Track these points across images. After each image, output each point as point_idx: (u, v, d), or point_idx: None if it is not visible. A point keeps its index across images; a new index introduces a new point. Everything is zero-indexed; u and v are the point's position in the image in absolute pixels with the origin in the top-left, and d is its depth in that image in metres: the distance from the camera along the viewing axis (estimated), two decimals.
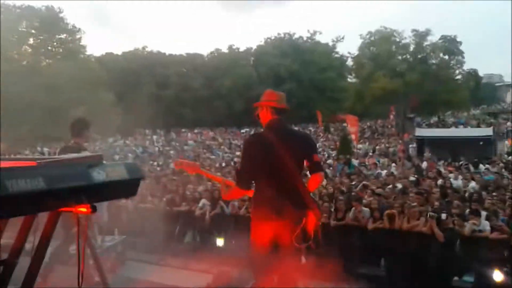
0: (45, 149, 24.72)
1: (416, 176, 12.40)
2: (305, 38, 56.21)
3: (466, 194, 9.30)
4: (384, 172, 14.04)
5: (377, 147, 25.23)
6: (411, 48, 37.90)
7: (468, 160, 17.04)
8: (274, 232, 2.99)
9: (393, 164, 16.75)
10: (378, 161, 17.61)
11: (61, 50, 36.10)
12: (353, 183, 11.17)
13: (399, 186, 10.29)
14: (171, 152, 27.58)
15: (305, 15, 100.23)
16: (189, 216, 9.00)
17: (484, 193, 9.28)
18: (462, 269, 6.49)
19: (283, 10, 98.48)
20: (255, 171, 3.12)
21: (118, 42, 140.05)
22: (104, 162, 1.77)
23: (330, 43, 54.50)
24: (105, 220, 6.65)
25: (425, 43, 37.39)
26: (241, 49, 56.68)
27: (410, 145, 24.58)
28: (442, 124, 33.64)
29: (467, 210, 7.43)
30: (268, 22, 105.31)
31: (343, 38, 55.03)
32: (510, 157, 19.08)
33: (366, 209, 7.67)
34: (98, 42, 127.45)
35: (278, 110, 3.30)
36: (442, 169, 14.26)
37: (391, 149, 24.21)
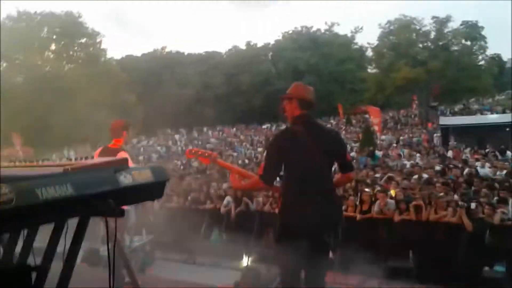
0: (71, 153, 25.18)
1: (441, 165, 12.22)
2: (323, 31, 55.69)
3: (495, 183, 9.12)
4: (408, 163, 13.87)
5: (401, 138, 24.94)
6: (432, 35, 37.15)
7: (495, 147, 16.70)
8: (301, 228, 2.90)
9: (418, 154, 16.53)
10: (403, 152, 17.41)
11: (82, 55, 36.63)
12: (378, 175, 11.07)
13: (425, 176, 10.16)
14: None
15: (322, 6, 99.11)
16: (215, 214, 9.06)
17: None
18: (492, 259, 6.36)
19: (299, 3, 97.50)
20: (282, 167, 3.02)
21: (136, 44, 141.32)
22: (130, 165, 1.79)
23: (349, 34, 54.00)
24: (132, 221, 6.74)
25: (446, 30, 36.62)
26: (259, 45, 56.56)
27: (435, 134, 24.23)
28: (467, 111, 32.98)
29: (495, 198, 7.29)
30: (285, 16, 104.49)
31: (361, 28, 54.35)
32: None
33: (392, 201, 7.60)
34: (117, 45, 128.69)
35: (306, 104, 3.17)
36: (468, 157, 14.02)
37: (415, 139, 23.91)
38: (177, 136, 37.76)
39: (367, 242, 6.78)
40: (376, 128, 22.56)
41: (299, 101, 3.16)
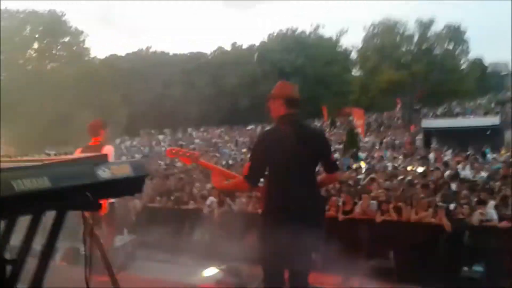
0: (52, 152, 24.82)
1: (423, 167, 12.36)
2: (308, 33, 55.95)
3: (475, 185, 9.25)
4: (391, 165, 14.01)
5: (384, 140, 25.16)
6: (415, 38, 37.59)
7: (476, 149, 16.95)
8: (284, 227, 2.87)
9: (400, 156, 16.72)
10: (385, 154, 17.59)
11: (65, 54, 36.14)
12: (360, 176, 11.16)
13: (407, 178, 10.26)
14: None
15: (306, 8, 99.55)
16: (197, 214, 9.02)
17: (498, 183, 9.21)
18: (471, 259, 6.46)
19: (283, 4, 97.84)
20: (267, 167, 3.01)
21: (121, 43, 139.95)
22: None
23: (334, 37, 54.31)
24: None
25: (429, 33, 37.10)
26: (244, 46, 56.58)
27: (417, 137, 24.50)
28: (449, 114, 33.42)
29: (475, 200, 7.41)
30: (270, 17, 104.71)
31: (347, 31, 54.87)
32: None
33: (374, 202, 7.67)
34: (101, 44, 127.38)
35: (291, 103, 3.13)
36: (449, 160, 14.21)
37: (397, 141, 24.14)
38: (160, 137, 37.51)
39: (348, 242, 6.82)
40: (359, 130, 22.73)
41: (284, 100, 3.13)
